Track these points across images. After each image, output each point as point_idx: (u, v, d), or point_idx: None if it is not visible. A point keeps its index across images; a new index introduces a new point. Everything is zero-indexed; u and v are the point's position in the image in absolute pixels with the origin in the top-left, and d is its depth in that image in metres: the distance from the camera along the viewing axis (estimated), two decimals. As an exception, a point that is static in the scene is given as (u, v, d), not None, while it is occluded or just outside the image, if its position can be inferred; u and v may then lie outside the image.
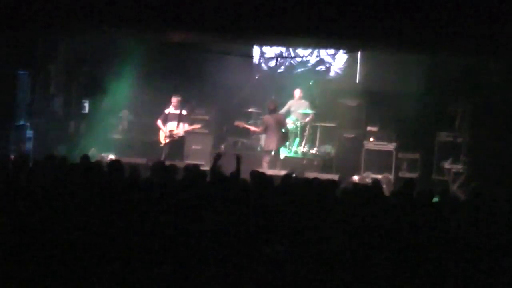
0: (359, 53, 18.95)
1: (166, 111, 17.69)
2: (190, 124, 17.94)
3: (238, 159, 11.96)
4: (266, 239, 8.18)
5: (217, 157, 12.26)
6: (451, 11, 11.94)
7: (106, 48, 18.99)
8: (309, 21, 12.12)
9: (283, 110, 18.34)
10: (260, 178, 11.42)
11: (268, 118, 17.04)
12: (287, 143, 17.98)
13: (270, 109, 17.08)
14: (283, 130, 17.26)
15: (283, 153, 17.87)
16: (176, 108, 17.63)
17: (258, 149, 18.59)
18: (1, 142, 16.66)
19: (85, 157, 12.49)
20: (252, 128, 17.81)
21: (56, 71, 18.94)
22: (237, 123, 17.96)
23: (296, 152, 18.32)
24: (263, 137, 18.19)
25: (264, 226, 8.66)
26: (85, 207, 8.97)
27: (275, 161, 17.10)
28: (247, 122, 18.57)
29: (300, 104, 18.62)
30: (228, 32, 13.75)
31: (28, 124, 17.93)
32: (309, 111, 18.48)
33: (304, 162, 17.91)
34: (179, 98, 17.71)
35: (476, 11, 11.95)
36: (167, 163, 13.40)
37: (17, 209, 8.77)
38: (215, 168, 11.77)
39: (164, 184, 10.46)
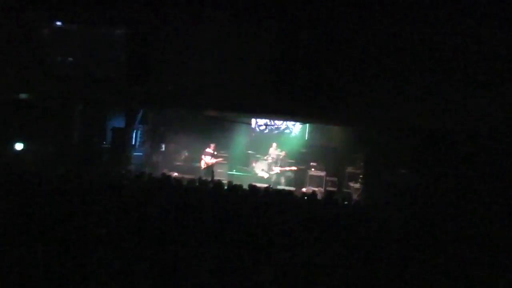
0: (307, 124, 18.98)
1: (207, 150, 17.75)
2: (217, 158, 17.90)
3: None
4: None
5: (231, 183, 12.43)
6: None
7: (173, 116, 18.97)
8: (282, 109, 12.00)
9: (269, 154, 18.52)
10: (253, 188, 11.51)
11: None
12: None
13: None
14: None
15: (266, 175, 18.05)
16: (212, 150, 17.70)
17: (253, 173, 18.59)
18: (123, 164, 16.28)
19: (164, 175, 12.42)
20: None
21: (146, 128, 18.87)
22: None
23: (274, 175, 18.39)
24: (255, 167, 18.32)
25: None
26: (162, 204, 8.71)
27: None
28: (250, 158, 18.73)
29: (276, 150, 18.68)
30: (239, 110, 13.53)
31: (132, 155, 17.75)
32: (280, 153, 18.49)
33: (275, 179, 17.87)
34: (214, 145, 17.75)
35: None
36: (205, 179, 13.46)
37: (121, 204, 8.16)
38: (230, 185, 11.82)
39: (204, 191, 10.47)
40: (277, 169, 17.64)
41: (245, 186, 12.01)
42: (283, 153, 18.35)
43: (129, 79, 11.68)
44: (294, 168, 17.44)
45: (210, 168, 17.57)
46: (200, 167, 17.85)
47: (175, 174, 17.11)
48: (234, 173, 18.63)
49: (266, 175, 17.97)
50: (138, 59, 11.59)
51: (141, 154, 18.16)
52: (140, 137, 18.29)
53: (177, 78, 11.95)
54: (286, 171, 17.66)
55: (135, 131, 17.73)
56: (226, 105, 12.42)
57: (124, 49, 11.22)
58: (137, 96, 12.27)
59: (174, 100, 12.56)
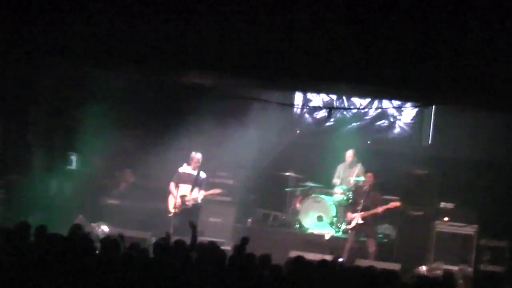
0: (433, 107, 18.97)
1: (180, 170, 17.69)
2: (208, 189, 17.92)
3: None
4: None
5: (244, 242, 12.42)
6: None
7: (102, 88, 19.02)
8: (368, 64, 12.13)
9: (334, 179, 18.79)
10: (296, 264, 11.45)
11: None
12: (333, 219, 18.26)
13: None
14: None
15: (329, 232, 18.14)
16: (194, 168, 17.62)
17: (296, 225, 18.73)
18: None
19: (76, 228, 12.41)
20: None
21: (36, 115, 18.99)
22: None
23: (345, 232, 18.30)
24: (302, 212, 18.53)
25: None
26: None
27: None
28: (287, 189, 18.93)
29: (353, 169, 18.80)
30: (263, 75, 13.75)
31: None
32: (363, 179, 18.44)
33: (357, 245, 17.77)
34: (200, 156, 17.65)
35: None
36: (176, 238, 13.45)
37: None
38: (241, 253, 11.90)
39: (173, 268, 10.46)
40: (357, 218, 17.40)
41: (278, 258, 11.99)
42: (357, 168, 18.70)
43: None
44: (391, 205, 17.30)
45: (189, 211, 17.54)
46: (166, 210, 17.89)
47: (103, 227, 17.15)
48: (248, 225, 18.80)
49: (328, 232, 18.15)
50: None
51: (22, 178, 18.31)
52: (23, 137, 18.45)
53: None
54: (376, 216, 17.52)
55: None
56: (239, 64, 12.98)
57: None
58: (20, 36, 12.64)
59: (113, 49, 13.20)
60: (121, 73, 17.70)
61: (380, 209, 17.49)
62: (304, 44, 12.60)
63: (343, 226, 18.26)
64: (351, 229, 17.70)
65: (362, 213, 17.51)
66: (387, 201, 17.77)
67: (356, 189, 18.09)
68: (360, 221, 17.54)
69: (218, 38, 12.84)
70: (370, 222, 17.68)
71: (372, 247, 17.47)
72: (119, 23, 12.99)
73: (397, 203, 17.58)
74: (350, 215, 17.75)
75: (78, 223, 14.03)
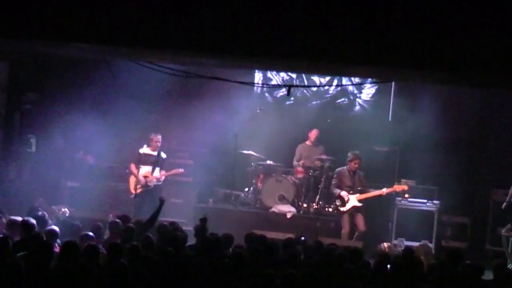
0: (392, 84, 18.97)
1: (141, 151, 17.57)
2: (169, 169, 17.84)
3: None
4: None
5: (203, 221, 12.63)
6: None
7: (61, 70, 18.88)
8: (326, 41, 12.08)
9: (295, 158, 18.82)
10: (258, 243, 11.44)
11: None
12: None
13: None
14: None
15: (290, 210, 18.17)
16: (154, 149, 17.53)
17: (257, 204, 18.75)
18: None
19: (33, 211, 12.28)
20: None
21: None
22: None
23: (306, 211, 18.35)
24: (263, 191, 18.41)
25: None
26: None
27: None
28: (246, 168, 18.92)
29: (315, 149, 18.80)
30: (220, 53, 13.63)
31: None
32: (325, 157, 18.53)
33: (318, 223, 17.79)
34: (159, 137, 17.58)
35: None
36: (137, 219, 13.40)
37: None
38: (202, 232, 11.93)
39: (133, 250, 10.42)
40: (353, 200, 17.37)
41: (240, 238, 12.10)
42: (319, 147, 18.71)
43: None
44: (397, 188, 17.21)
45: (151, 192, 17.59)
46: (127, 191, 17.94)
47: (64, 209, 17.01)
48: (209, 205, 18.77)
49: (290, 211, 18.16)
50: None
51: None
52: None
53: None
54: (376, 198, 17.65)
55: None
56: (195, 42, 12.62)
57: None
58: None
59: (60, 28, 12.58)
60: (76, 54, 17.50)
61: (385, 191, 17.61)
62: (261, 21, 12.42)
63: (305, 205, 18.35)
64: (347, 211, 17.76)
65: (358, 195, 17.67)
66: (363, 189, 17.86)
67: (341, 172, 18.02)
68: (358, 204, 17.65)
69: (175, 15, 12.60)
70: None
71: (347, 227, 17.66)
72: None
73: (405, 187, 17.61)
74: (343, 194, 17.80)
75: (34, 206, 13.91)
